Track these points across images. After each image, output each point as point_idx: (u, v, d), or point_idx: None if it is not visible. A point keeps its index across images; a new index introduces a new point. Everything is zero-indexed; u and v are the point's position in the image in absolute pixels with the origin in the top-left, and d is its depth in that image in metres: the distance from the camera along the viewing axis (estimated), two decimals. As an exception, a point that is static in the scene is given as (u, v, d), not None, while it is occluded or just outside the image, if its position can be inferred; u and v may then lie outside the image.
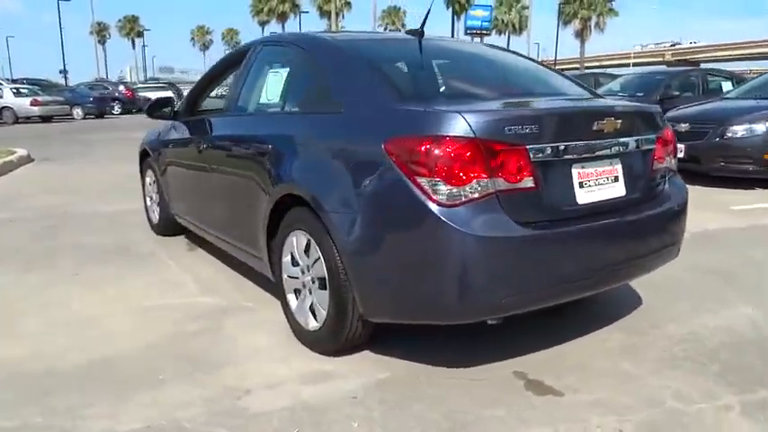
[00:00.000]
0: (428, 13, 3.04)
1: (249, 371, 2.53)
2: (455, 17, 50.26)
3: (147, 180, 4.95)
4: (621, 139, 2.43)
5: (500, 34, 53.57)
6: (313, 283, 2.63)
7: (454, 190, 2.06)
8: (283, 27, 59.82)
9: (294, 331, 2.81)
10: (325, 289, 2.52)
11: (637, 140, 2.50)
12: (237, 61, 3.84)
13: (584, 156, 2.32)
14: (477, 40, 33.72)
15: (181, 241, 4.67)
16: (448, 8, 52.48)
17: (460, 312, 2.18)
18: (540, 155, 2.18)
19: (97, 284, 3.66)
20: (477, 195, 2.08)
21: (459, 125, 2.08)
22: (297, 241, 2.67)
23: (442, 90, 2.65)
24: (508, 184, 2.13)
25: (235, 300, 3.37)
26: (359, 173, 2.29)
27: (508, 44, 47.52)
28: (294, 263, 2.75)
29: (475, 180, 2.07)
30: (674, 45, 71.02)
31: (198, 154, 3.62)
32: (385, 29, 49.78)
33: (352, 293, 2.39)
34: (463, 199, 2.06)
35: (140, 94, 29.03)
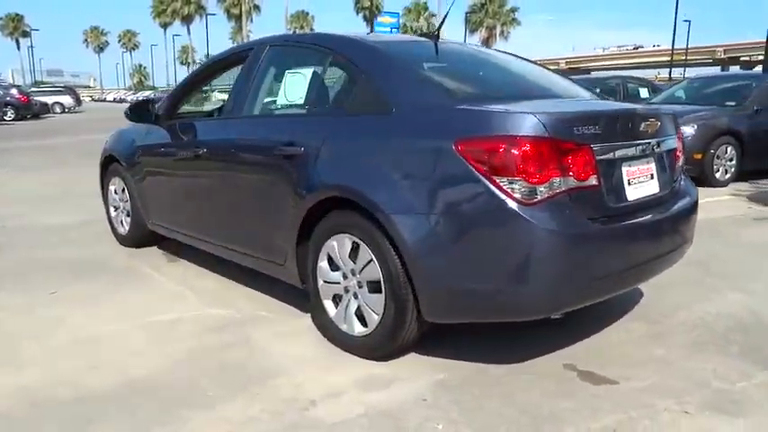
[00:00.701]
0: (444, 18, 3.09)
1: (302, 381, 2.44)
2: (366, 23, 50.83)
3: (113, 189, 4.62)
4: (656, 140, 2.58)
5: (409, 41, 54.68)
6: (360, 287, 2.57)
7: (533, 189, 2.11)
8: (188, 29, 57.74)
9: (333, 338, 2.74)
10: (379, 292, 2.48)
11: (666, 140, 2.67)
12: (232, 63, 3.70)
13: (632, 155, 2.45)
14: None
15: (155, 253, 4.40)
16: (358, 14, 53.02)
17: (541, 307, 2.23)
18: (602, 154, 2.28)
19: (85, 302, 3.38)
20: (552, 194, 2.13)
21: (536, 125, 2.13)
22: (339, 245, 2.61)
23: (488, 92, 2.68)
24: (577, 182, 2.20)
25: (247, 310, 3.23)
26: (424, 173, 2.28)
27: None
28: (334, 268, 2.69)
29: (551, 179, 2.12)
30: (636, 48, 74.70)
31: (194, 160, 3.43)
32: (294, 33, 49.30)
33: (413, 295, 2.37)
34: (540, 197, 2.12)
35: (37, 98, 26.93)
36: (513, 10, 47.76)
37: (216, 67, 3.85)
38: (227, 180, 3.24)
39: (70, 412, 2.23)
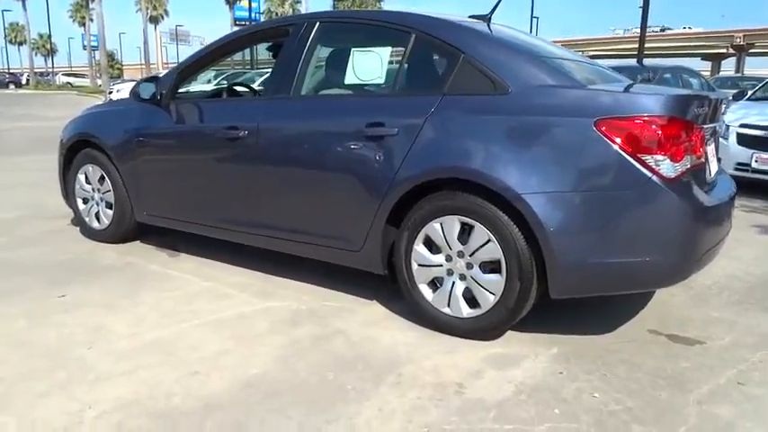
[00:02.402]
0: (499, 1, 3.14)
1: (434, 366, 2.40)
2: (227, 5, 48.82)
3: (82, 178, 4.09)
4: (716, 124, 2.85)
5: (274, 27, 53.39)
6: (470, 268, 2.57)
7: (673, 165, 2.25)
8: (23, 4, 51.22)
9: (433, 322, 2.70)
10: (496, 272, 2.50)
11: (719, 125, 2.95)
12: (259, 40, 3.46)
13: (710, 135, 2.69)
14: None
15: (145, 248, 3.99)
16: (220, -4, 50.71)
17: (680, 275, 2.39)
18: (706, 134, 2.49)
19: (110, 305, 3.00)
20: (685, 170, 2.30)
21: (672, 106, 2.29)
22: (446, 227, 2.58)
23: (584, 75, 2.76)
24: (695, 160, 2.39)
25: (309, 301, 3.07)
26: (558, 152, 2.34)
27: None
28: (435, 250, 2.65)
29: (684, 155, 2.29)
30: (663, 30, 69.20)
31: (232, 142, 3.17)
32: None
33: (536, 274, 2.43)
34: (678, 173, 2.27)
35: None
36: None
37: (237, 43, 3.56)
38: (284, 164, 3.03)
39: (217, 420, 2.00)
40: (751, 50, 55.19)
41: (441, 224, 2.60)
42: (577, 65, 2.88)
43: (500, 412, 2.08)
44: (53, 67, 62.86)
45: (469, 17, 3.15)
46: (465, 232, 2.56)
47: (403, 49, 2.81)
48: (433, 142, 2.59)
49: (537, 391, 2.22)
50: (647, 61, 12.60)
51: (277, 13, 53.52)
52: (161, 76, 3.57)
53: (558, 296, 2.47)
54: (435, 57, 2.86)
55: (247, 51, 18.57)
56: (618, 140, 2.25)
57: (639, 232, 2.30)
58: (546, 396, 2.19)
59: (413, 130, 2.62)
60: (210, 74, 12.89)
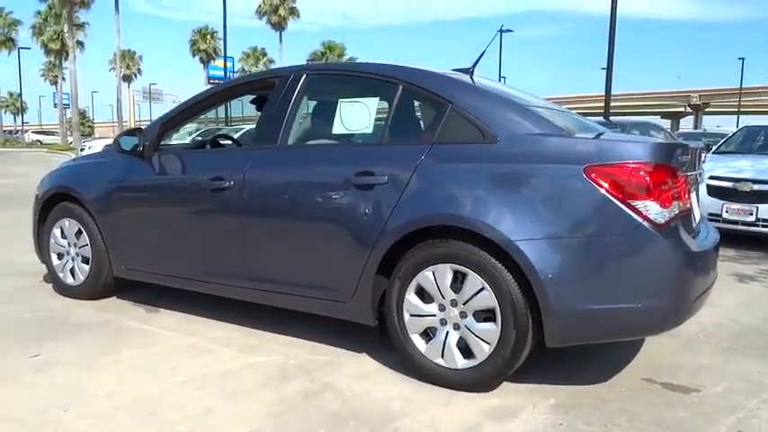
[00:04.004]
0: (480, 56, 3.24)
1: (431, 420, 2.32)
2: (202, 65, 49.50)
3: (57, 232, 3.97)
4: (698, 171, 2.92)
5: (248, 85, 54.16)
6: (464, 317, 2.53)
7: (663, 211, 2.29)
8: (-7, 62, 51.02)
9: (426, 374, 2.63)
10: (490, 321, 2.46)
11: (700, 174, 3.02)
12: (244, 92, 3.49)
13: (692, 182, 2.75)
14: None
15: (121, 304, 3.85)
16: (194, 56, 51.54)
17: (674, 320, 2.38)
18: (692, 181, 2.55)
19: (85, 363, 2.86)
20: (674, 215, 2.34)
21: (661, 153, 2.34)
22: (438, 275, 2.55)
23: (566, 124, 2.80)
24: (682, 206, 2.43)
25: (296, 354, 2.97)
26: (549, 199, 2.36)
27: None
28: (427, 300, 2.61)
29: (672, 202, 2.33)
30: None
31: (216, 193, 3.13)
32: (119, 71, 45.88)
33: (531, 322, 2.40)
34: (668, 219, 2.30)
35: None
36: (352, 60, 50.01)
37: (222, 95, 3.57)
38: (271, 214, 2.99)
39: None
40: (707, 109, 58.07)
41: (433, 272, 2.57)
42: (557, 114, 2.95)
43: (503, 467, 2.00)
44: (23, 125, 62.38)
45: (453, 70, 3.23)
46: (458, 280, 2.54)
47: (390, 99, 2.85)
48: (423, 190, 2.59)
49: (539, 443, 2.16)
50: (613, 119, 13.08)
51: (250, 72, 54.43)
52: (143, 128, 3.54)
53: (555, 345, 2.43)
54: (423, 107, 2.91)
55: (221, 108, 18.73)
56: (608, 186, 2.29)
57: (633, 278, 2.31)
58: (548, 449, 2.12)
59: (403, 179, 2.63)
60: (190, 128, 12.89)
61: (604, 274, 2.33)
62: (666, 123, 58.73)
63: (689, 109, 58.05)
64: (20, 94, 55.89)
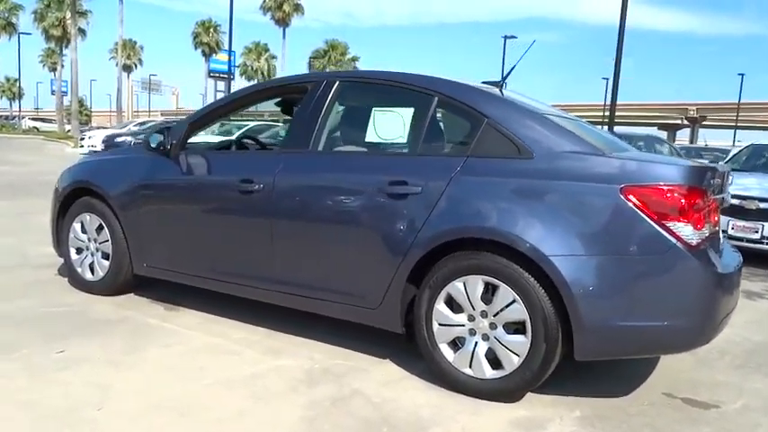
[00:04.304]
0: (512, 69, 3.28)
1: (463, 429, 2.36)
2: (204, 58, 49.38)
3: (77, 227, 3.98)
4: (723, 195, 2.96)
5: (248, 80, 54.07)
6: (493, 328, 2.57)
7: (696, 233, 2.34)
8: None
9: (453, 383, 2.67)
10: (520, 333, 2.51)
11: (726, 196, 3.06)
12: (275, 95, 3.51)
13: (719, 205, 2.80)
14: (221, 83, 33.23)
15: (141, 301, 3.86)
16: (196, 49, 51.40)
17: (700, 340, 2.44)
18: (720, 203, 2.60)
19: (112, 362, 2.88)
20: (705, 237, 2.39)
21: (695, 176, 2.39)
22: (469, 286, 2.59)
23: (601, 143, 2.84)
24: (712, 228, 2.49)
25: (320, 359, 3.00)
26: (584, 216, 2.40)
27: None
28: (456, 310, 2.65)
29: (705, 224, 2.38)
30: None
31: (246, 195, 3.15)
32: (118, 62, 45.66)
33: (561, 336, 2.45)
34: (700, 241, 2.35)
35: None
36: (355, 59, 49.81)
37: (253, 98, 3.59)
38: (301, 218, 3.02)
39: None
40: (704, 123, 58.58)
41: (464, 283, 2.61)
42: (587, 131, 2.99)
43: (537, 479, 2.04)
44: (20, 110, 61.93)
45: (483, 83, 3.27)
46: (488, 292, 2.58)
47: (425, 110, 2.88)
48: (457, 201, 2.63)
49: (569, 457, 2.20)
50: (617, 129, 13.18)
51: (252, 67, 54.40)
52: (171, 127, 3.56)
53: (583, 358, 2.48)
54: (458, 120, 2.94)
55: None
56: (643, 207, 2.33)
57: (663, 297, 2.36)
58: (579, 462, 2.17)
59: (437, 190, 2.66)
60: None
61: (635, 292, 2.38)
62: (663, 135, 59.30)
63: (686, 121, 58.52)
64: (18, 80, 55.43)
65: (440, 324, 2.69)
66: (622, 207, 2.36)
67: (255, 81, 54.07)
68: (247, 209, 3.20)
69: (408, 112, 2.95)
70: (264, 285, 3.20)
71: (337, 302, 2.98)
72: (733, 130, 47.95)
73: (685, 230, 2.32)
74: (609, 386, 2.83)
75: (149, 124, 23.56)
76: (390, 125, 2.97)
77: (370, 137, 3.02)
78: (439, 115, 2.92)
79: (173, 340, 3.19)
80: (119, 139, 18.74)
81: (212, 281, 3.44)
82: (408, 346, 2.90)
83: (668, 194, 2.33)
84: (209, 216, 3.38)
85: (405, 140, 2.93)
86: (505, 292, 2.52)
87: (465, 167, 2.67)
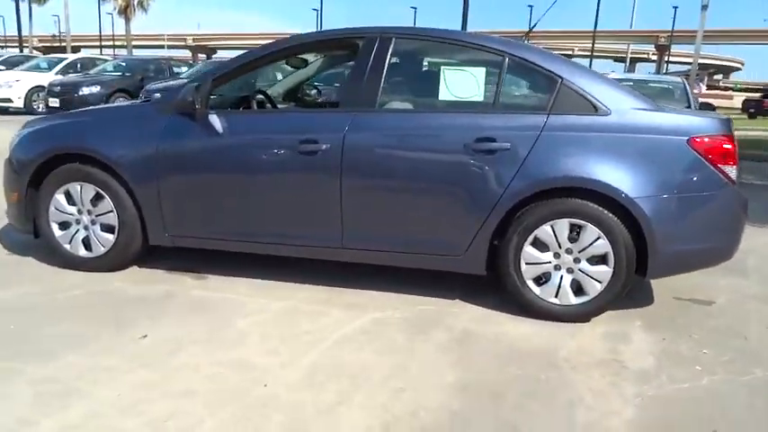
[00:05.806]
0: (538, 21, 3.62)
1: (580, 347, 2.81)
2: None
3: (61, 198, 3.49)
4: None
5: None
6: (578, 262, 3.02)
7: (734, 172, 2.99)
8: None
9: (539, 311, 3.10)
10: (603, 264, 2.99)
11: None
12: (318, 50, 3.41)
13: None
14: None
15: (156, 275, 3.59)
16: None
17: (728, 256, 3.14)
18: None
19: (216, 340, 2.77)
20: (737, 175, 3.05)
21: (730, 127, 3.02)
22: (557, 229, 2.99)
23: (650, 99, 3.28)
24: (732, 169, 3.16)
25: (403, 308, 3.19)
26: (659, 163, 2.91)
27: (30, 15, 40.94)
28: (543, 249, 3.04)
29: (736, 164, 3.04)
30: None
31: (309, 156, 3.11)
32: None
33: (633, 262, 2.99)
34: (735, 177, 3.01)
35: None
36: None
37: (293, 51, 3.41)
38: (380, 177, 3.10)
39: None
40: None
41: (552, 226, 3.00)
42: (635, 88, 3.48)
43: (669, 376, 2.59)
44: None
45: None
46: (573, 231, 3.00)
47: (497, 71, 3.10)
48: (547, 155, 2.96)
49: (666, 355, 2.79)
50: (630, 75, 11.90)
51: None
52: (191, 81, 3.25)
53: (654, 278, 3.07)
54: (532, 80, 3.20)
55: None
56: (706, 154, 2.91)
57: (713, 224, 3.03)
58: (676, 359, 2.76)
59: (526, 145, 2.96)
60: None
61: (695, 222, 2.99)
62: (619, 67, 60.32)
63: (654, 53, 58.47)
64: None
65: (527, 263, 3.07)
66: (689, 155, 2.91)
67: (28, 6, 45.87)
68: (310, 169, 3.16)
69: (481, 72, 3.13)
70: (326, 243, 3.24)
71: (421, 254, 3.17)
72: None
73: (730, 171, 2.97)
74: (633, 300, 3.47)
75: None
76: (464, 83, 3.13)
77: (444, 95, 3.15)
78: (512, 76, 3.16)
79: (244, 310, 3.11)
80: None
81: (260, 244, 3.36)
82: (460, 285, 3.29)
83: (722, 143, 2.94)
84: (259, 178, 3.25)
85: (481, 99, 3.13)
86: (591, 231, 2.96)
87: (549, 123, 2.99)
